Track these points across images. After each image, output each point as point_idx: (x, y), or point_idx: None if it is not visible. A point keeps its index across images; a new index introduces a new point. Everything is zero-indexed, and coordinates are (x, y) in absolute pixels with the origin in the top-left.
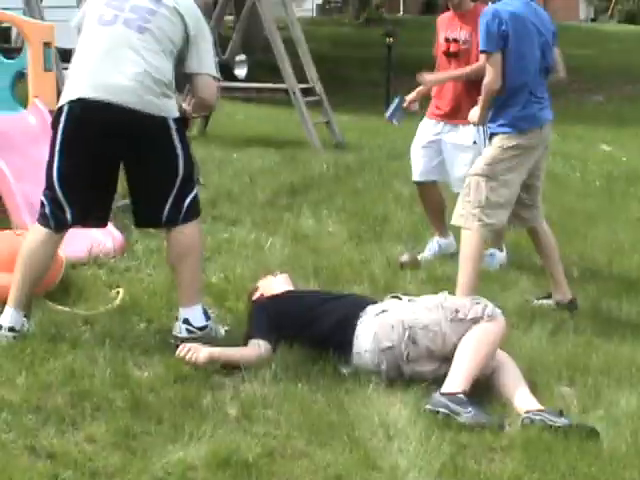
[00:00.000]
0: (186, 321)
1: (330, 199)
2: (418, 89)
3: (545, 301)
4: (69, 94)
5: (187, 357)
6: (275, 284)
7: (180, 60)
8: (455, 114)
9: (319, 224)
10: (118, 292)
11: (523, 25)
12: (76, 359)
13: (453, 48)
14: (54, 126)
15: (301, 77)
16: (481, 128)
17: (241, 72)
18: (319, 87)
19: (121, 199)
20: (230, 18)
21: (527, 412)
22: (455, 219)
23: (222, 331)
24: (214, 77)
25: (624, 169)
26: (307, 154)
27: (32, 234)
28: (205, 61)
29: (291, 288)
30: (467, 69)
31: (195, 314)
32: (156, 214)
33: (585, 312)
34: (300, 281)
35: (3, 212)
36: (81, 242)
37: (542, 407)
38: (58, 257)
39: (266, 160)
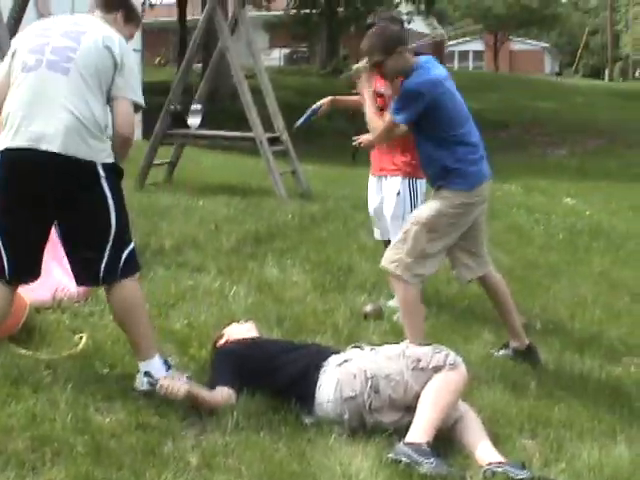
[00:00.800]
0: (147, 374)
1: (295, 248)
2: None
3: (503, 351)
4: (1, 142)
5: (168, 391)
6: (240, 331)
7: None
8: (380, 166)
9: (283, 273)
10: (81, 337)
11: (447, 89)
12: (37, 403)
13: (379, 102)
14: None
15: (268, 126)
16: (406, 180)
17: (195, 121)
18: (285, 136)
19: None
20: (198, 66)
21: (489, 464)
22: (385, 262)
23: (185, 378)
24: (137, 104)
25: (587, 222)
26: (273, 203)
27: None
28: (129, 85)
29: (256, 335)
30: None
31: (154, 366)
32: (92, 271)
33: (547, 365)
34: (263, 330)
35: None
36: (45, 286)
37: (504, 459)
38: (22, 301)
39: (232, 208)
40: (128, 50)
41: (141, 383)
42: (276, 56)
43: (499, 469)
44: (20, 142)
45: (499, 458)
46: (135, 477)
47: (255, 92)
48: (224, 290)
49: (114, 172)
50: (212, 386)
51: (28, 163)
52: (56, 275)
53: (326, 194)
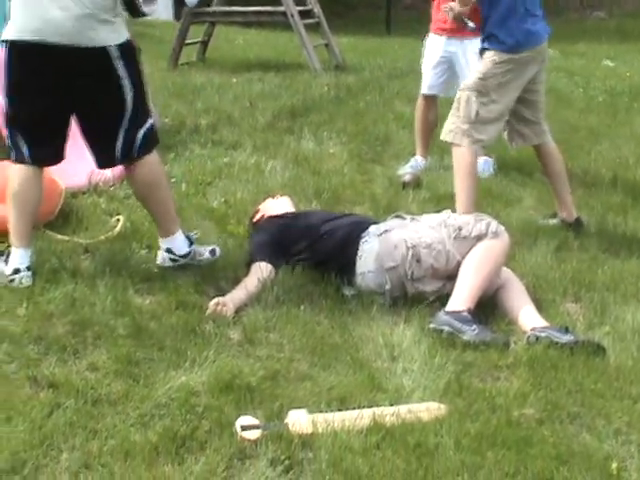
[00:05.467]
0: (169, 250)
1: (331, 121)
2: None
3: (551, 220)
4: (9, 32)
5: (217, 311)
6: (276, 206)
7: None
8: (458, 28)
9: (320, 146)
10: (118, 220)
11: None
12: (77, 288)
13: None
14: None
15: (300, 0)
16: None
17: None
18: (317, 9)
19: None
20: None
21: (532, 329)
22: (444, 134)
23: (207, 253)
24: None
25: (628, 84)
26: (307, 77)
27: (13, 173)
28: None
29: (292, 210)
30: None
31: (176, 243)
32: (109, 152)
33: (590, 228)
34: (302, 203)
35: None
36: (80, 171)
37: (547, 324)
38: (57, 186)
39: (266, 84)
40: None
41: (162, 259)
42: None
43: (542, 334)
44: (28, 35)
45: (542, 323)
46: (177, 356)
47: None
48: (260, 166)
49: (128, 50)
50: (251, 262)
51: (39, 56)
52: (91, 160)
53: (361, 65)
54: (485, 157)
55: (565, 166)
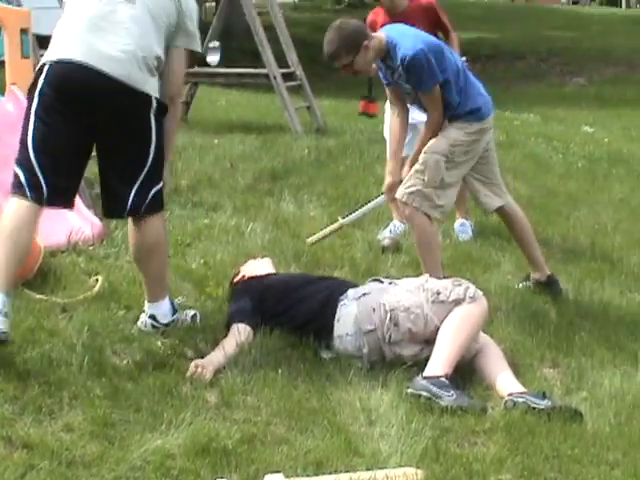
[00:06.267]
0: (152, 317)
1: (311, 184)
2: None
3: (525, 283)
4: (52, 54)
5: (196, 375)
6: (257, 267)
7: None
8: None
9: (300, 209)
10: (97, 279)
11: (437, 42)
12: (54, 348)
13: None
14: (31, 88)
15: (282, 62)
16: None
17: (213, 59)
18: (300, 71)
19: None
20: (212, 4)
21: (510, 395)
22: (401, 194)
23: (189, 318)
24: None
25: (606, 150)
26: (288, 139)
27: (10, 211)
28: (194, 39)
29: (273, 271)
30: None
31: (162, 310)
32: (121, 202)
33: (567, 294)
34: (281, 266)
35: None
36: (60, 229)
37: (525, 389)
38: (36, 245)
39: (247, 145)
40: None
41: (144, 324)
42: None
43: (520, 399)
44: (78, 56)
45: (520, 388)
46: (153, 418)
47: (269, 28)
48: (240, 228)
49: (162, 109)
50: (230, 322)
51: (82, 80)
52: (71, 219)
53: (342, 129)
54: (463, 220)
55: (542, 230)
